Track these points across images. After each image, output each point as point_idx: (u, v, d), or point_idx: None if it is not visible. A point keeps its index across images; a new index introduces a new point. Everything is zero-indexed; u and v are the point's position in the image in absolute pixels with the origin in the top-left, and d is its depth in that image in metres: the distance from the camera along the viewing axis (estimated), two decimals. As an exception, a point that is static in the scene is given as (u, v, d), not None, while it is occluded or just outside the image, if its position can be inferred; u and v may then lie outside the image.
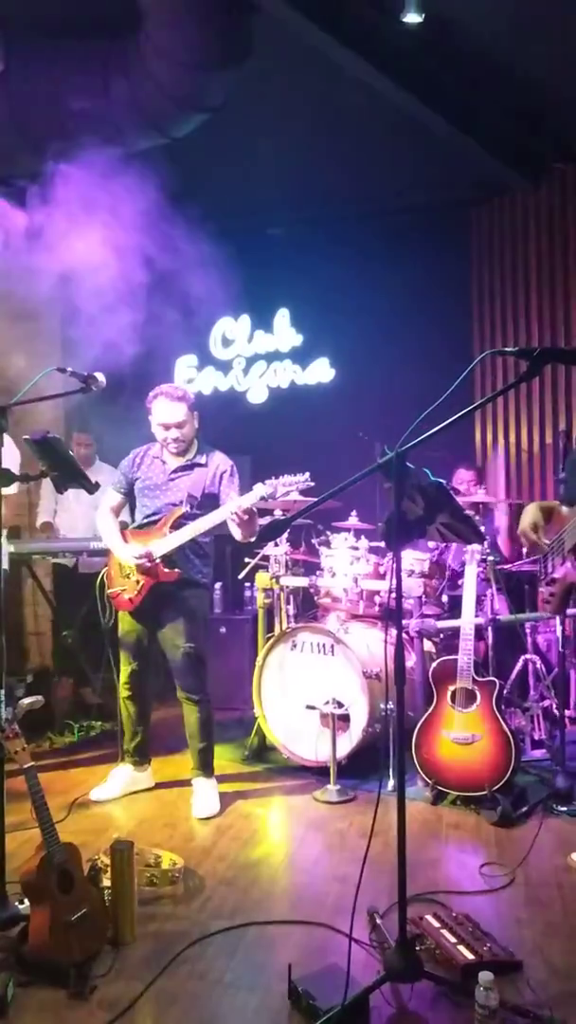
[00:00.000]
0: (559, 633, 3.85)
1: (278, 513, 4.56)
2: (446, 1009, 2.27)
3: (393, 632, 2.41)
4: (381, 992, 2.26)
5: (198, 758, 3.82)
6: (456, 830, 3.48)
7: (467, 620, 3.75)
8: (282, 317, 6.66)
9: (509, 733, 3.60)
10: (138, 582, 3.72)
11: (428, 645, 4.50)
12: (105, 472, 4.85)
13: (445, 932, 2.52)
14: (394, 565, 2.42)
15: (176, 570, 3.68)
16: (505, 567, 4.69)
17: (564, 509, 3.04)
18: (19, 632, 5.75)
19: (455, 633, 3.98)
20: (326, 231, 6.37)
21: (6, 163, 4.77)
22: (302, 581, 4.52)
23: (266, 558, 4.61)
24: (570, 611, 3.69)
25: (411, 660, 4.33)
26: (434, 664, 3.83)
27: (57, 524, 5.37)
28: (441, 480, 2.57)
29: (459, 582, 4.32)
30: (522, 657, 4.45)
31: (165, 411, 3.76)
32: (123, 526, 3.90)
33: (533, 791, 3.76)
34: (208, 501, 3.76)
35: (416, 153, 5.42)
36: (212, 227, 4.37)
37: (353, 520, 4.69)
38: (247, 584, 5.21)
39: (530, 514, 3.08)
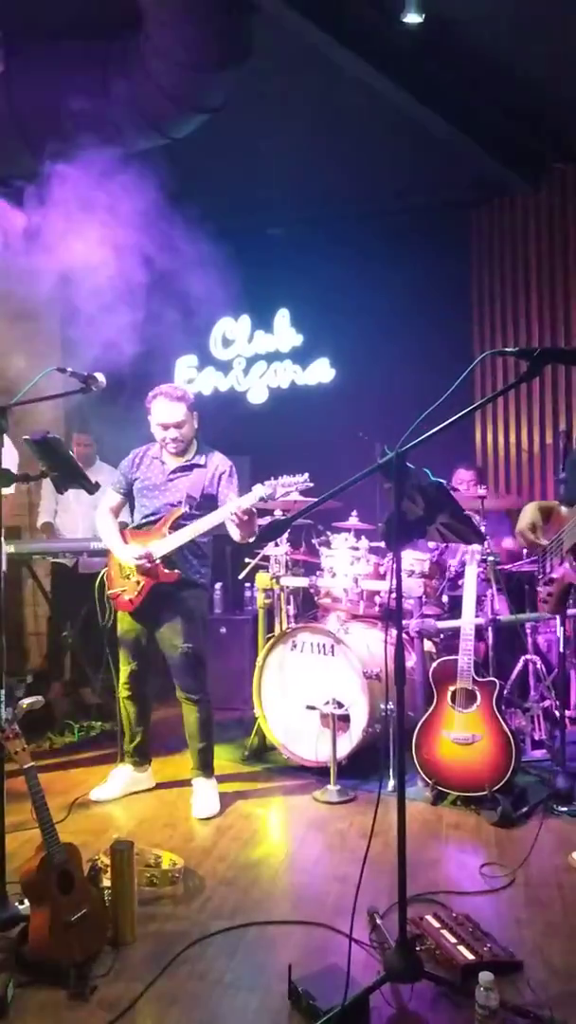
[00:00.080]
0: (560, 634, 3.85)
1: (278, 513, 4.56)
2: (446, 1009, 2.27)
3: (393, 632, 2.41)
4: (381, 992, 2.26)
5: (198, 758, 3.82)
6: (456, 830, 3.48)
7: (467, 620, 3.75)
8: (282, 317, 6.67)
9: (509, 733, 3.60)
10: (138, 583, 3.72)
11: (428, 645, 4.50)
12: (105, 472, 4.85)
13: (445, 932, 2.52)
14: (394, 565, 2.43)
15: (176, 571, 3.69)
16: (505, 567, 4.70)
17: (563, 509, 3.05)
18: (19, 632, 5.75)
19: (455, 633, 3.98)
20: (326, 231, 6.37)
21: (6, 163, 4.77)
22: (302, 581, 4.52)
23: (266, 558, 4.61)
24: (571, 611, 3.69)
25: (411, 660, 4.33)
26: (434, 664, 3.83)
27: (57, 524, 5.37)
28: (441, 480, 2.57)
29: (459, 582, 4.32)
30: (522, 657, 4.45)
31: (164, 411, 3.76)
32: (123, 526, 3.90)
33: (533, 791, 3.76)
34: (207, 502, 3.76)
35: (416, 153, 5.42)
36: (212, 227, 4.37)
37: (353, 520, 4.69)
38: (247, 584, 5.21)
39: (529, 514, 3.08)
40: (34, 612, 5.79)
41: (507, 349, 2.42)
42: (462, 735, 3.65)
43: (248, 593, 5.41)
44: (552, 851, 3.21)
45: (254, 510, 3.63)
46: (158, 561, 3.65)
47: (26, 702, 2.72)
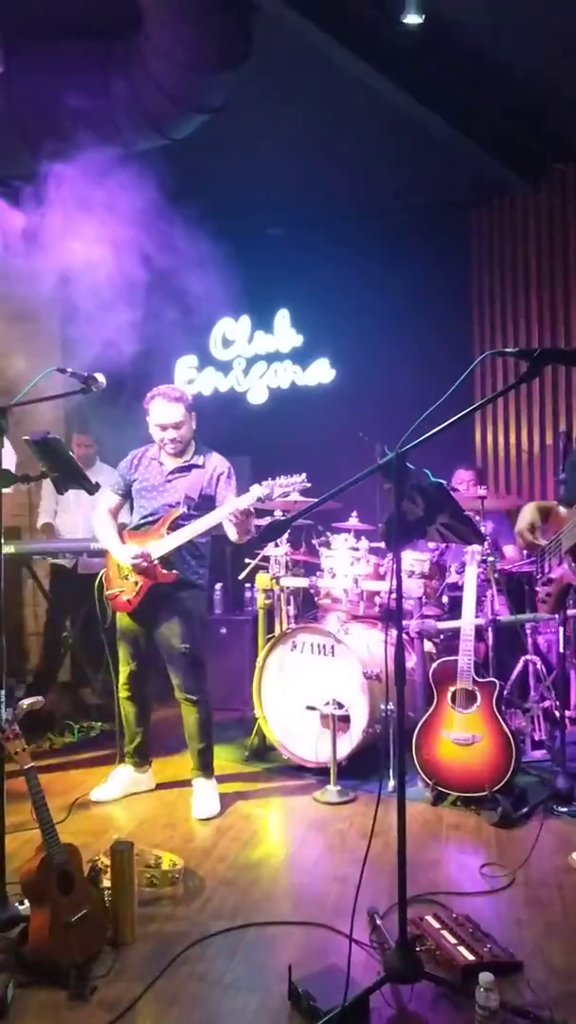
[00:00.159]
0: (560, 634, 3.85)
1: (278, 514, 4.56)
2: (446, 1010, 2.27)
3: (393, 633, 2.41)
4: (381, 993, 2.26)
5: (198, 759, 3.82)
6: (456, 831, 3.48)
7: (467, 621, 3.75)
8: (282, 318, 6.66)
9: (509, 734, 3.60)
10: (136, 583, 3.73)
11: (428, 646, 4.50)
12: (105, 473, 4.85)
13: (445, 933, 2.52)
14: (394, 566, 2.43)
15: (173, 571, 3.69)
16: (505, 568, 4.70)
17: (562, 510, 3.05)
18: (19, 633, 5.75)
19: (455, 634, 3.98)
20: (326, 231, 6.37)
21: (6, 164, 4.77)
22: (302, 582, 4.52)
23: (266, 559, 4.61)
24: (571, 611, 3.69)
25: (411, 661, 4.33)
26: (434, 665, 3.83)
27: (57, 525, 5.37)
28: (441, 480, 2.57)
29: (459, 583, 4.32)
30: (522, 658, 4.45)
31: (162, 412, 3.76)
32: (123, 527, 3.90)
33: (533, 792, 3.76)
34: (205, 502, 3.76)
35: (416, 154, 5.41)
36: (212, 227, 4.37)
37: (353, 521, 4.69)
38: (247, 585, 5.21)
39: (528, 514, 3.08)
40: (34, 612, 5.79)
41: (507, 350, 2.42)
42: (462, 736, 3.65)
43: (248, 593, 5.41)
44: (552, 852, 3.21)
45: (252, 510, 3.64)
46: (155, 562, 3.66)
47: (26, 702, 2.72)
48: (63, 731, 4.76)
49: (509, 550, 5.03)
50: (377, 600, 4.42)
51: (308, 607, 4.88)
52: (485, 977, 2.12)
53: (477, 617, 3.97)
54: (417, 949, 2.39)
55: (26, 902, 2.57)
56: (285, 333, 6.66)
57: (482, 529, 3.95)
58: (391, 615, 3.16)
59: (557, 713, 4.04)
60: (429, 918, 2.61)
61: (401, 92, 4.54)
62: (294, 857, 3.31)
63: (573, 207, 5.85)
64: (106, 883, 2.70)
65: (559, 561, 2.95)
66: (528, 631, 4.50)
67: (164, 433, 3.78)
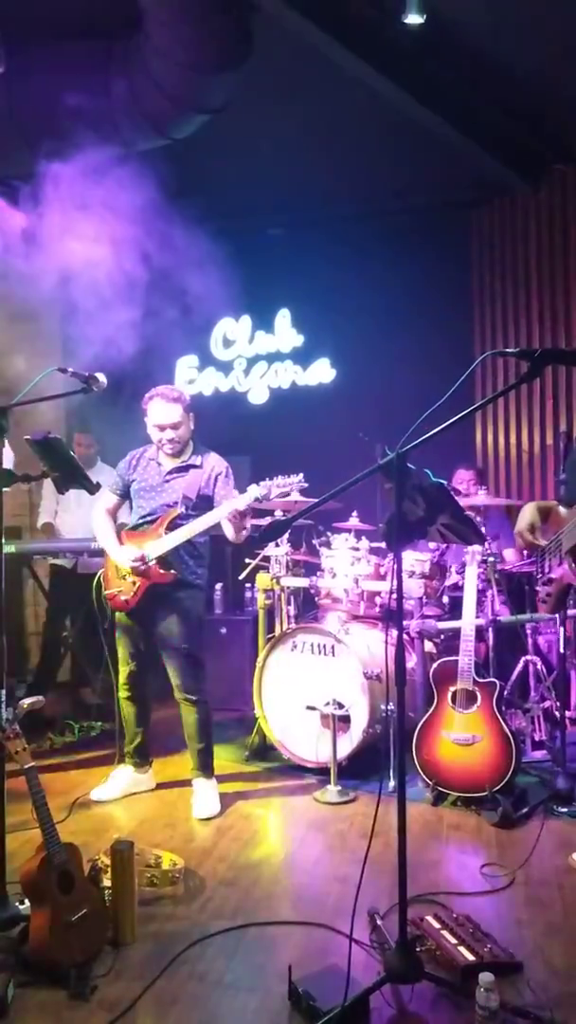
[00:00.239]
0: (560, 634, 3.85)
1: (279, 514, 4.56)
2: (446, 1010, 2.27)
3: (394, 633, 2.41)
4: (381, 993, 2.26)
5: (197, 759, 3.82)
6: (457, 831, 3.48)
7: (468, 621, 3.74)
8: (283, 318, 6.66)
9: (510, 734, 3.60)
10: (134, 583, 3.73)
11: (429, 646, 4.50)
12: (106, 473, 4.84)
13: (445, 933, 2.52)
14: (395, 566, 2.42)
15: (171, 571, 3.69)
16: (505, 568, 4.69)
17: (562, 510, 3.04)
18: (20, 633, 5.75)
19: (456, 634, 3.98)
20: (327, 232, 6.37)
21: (6, 164, 4.77)
22: (303, 582, 4.52)
23: (267, 559, 4.61)
24: (571, 612, 3.69)
25: (412, 661, 4.33)
26: (435, 665, 3.83)
27: (58, 525, 5.37)
28: (442, 480, 2.57)
29: (459, 583, 4.32)
30: (523, 658, 4.44)
31: (160, 412, 3.76)
32: (123, 527, 3.90)
33: (534, 792, 3.76)
34: (203, 502, 3.76)
35: (416, 154, 5.42)
36: (212, 227, 4.37)
37: (354, 521, 4.68)
38: (248, 585, 5.20)
39: (527, 515, 3.08)
40: (34, 612, 5.79)
41: (508, 350, 2.42)
42: (462, 736, 3.65)
43: (248, 593, 5.41)
44: (552, 852, 3.21)
45: (249, 510, 3.64)
46: (151, 563, 3.66)
47: (26, 702, 2.72)
48: (63, 731, 4.76)
49: (509, 553, 5.03)
50: (377, 600, 4.42)
51: (308, 607, 4.88)
52: (485, 977, 2.12)
53: (477, 617, 3.97)
54: (417, 949, 2.39)
55: (26, 901, 2.57)
56: (286, 333, 6.66)
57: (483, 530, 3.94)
58: (391, 615, 3.16)
59: (557, 713, 4.04)
60: (429, 918, 2.61)
61: (401, 92, 4.55)
62: (294, 857, 3.31)
63: (573, 207, 5.85)
64: (106, 883, 2.70)
65: (559, 561, 2.95)
66: (528, 631, 4.50)
67: (162, 433, 3.79)
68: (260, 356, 6.76)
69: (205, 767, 3.83)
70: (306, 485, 3.72)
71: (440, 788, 3.72)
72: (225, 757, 4.30)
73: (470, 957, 2.39)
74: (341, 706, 3.93)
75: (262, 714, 4.31)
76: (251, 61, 4.10)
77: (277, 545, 4.52)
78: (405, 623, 4.10)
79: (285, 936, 2.66)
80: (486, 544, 4.02)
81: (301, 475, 3.71)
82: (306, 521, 4.89)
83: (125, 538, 3.81)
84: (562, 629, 3.84)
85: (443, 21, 4.14)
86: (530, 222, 6.01)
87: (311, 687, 4.14)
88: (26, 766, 2.54)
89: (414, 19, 3.94)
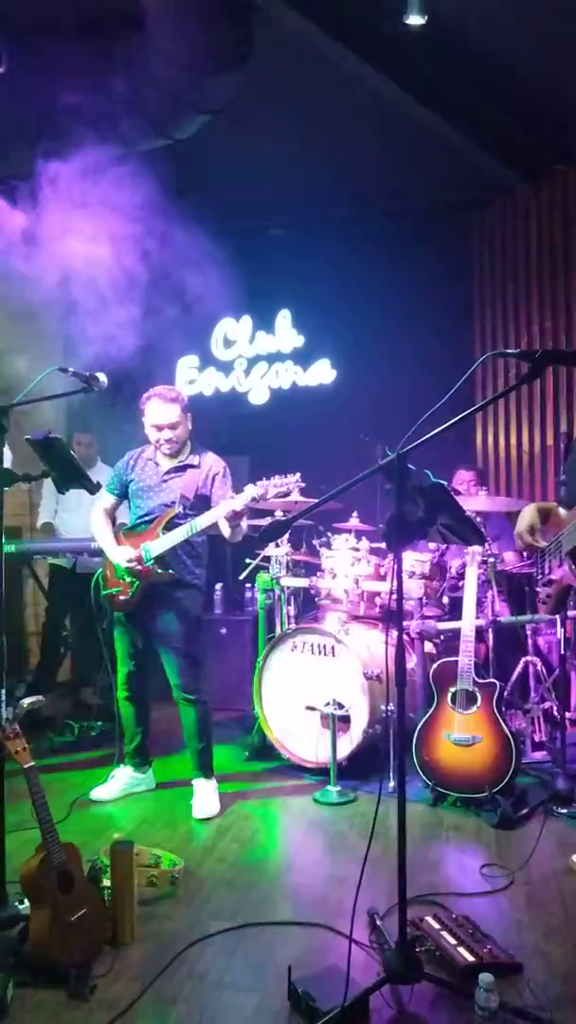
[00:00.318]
0: (560, 635, 3.85)
1: (279, 514, 4.56)
2: (446, 1011, 2.27)
3: (394, 633, 2.41)
4: (381, 993, 2.26)
5: (197, 759, 3.82)
6: (456, 832, 3.48)
7: (468, 622, 3.74)
8: (283, 318, 6.66)
9: (509, 735, 3.60)
10: (132, 583, 3.73)
11: (429, 646, 4.49)
12: (106, 473, 4.82)
13: (445, 934, 2.52)
14: (395, 566, 2.42)
15: (169, 571, 3.69)
16: (506, 568, 4.69)
17: (562, 511, 3.04)
18: (20, 633, 5.75)
19: (456, 635, 3.98)
20: (327, 232, 6.37)
21: (6, 163, 4.77)
22: (303, 582, 4.52)
23: (267, 559, 4.61)
24: (571, 613, 3.69)
25: (412, 661, 4.32)
26: (435, 666, 3.83)
27: (58, 525, 5.37)
28: (442, 481, 2.57)
29: (460, 584, 4.32)
30: (523, 659, 4.44)
31: (158, 412, 3.77)
32: (122, 527, 3.90)
33: (533, 793, 3.75)
34: (200, 502, 3.76)
35: (417, 154, 5.42)
36: (213, 227, 4.37)
37: (354, 521, 4.68)
38: (248, 585, 5.20)
39: (527, 516, 3.08)
40: (34, 612, 5.79)
41: (508, 351, 2.42)
42: (462, 736, 3.65)
43: (248, 594, 5.41)
44: (552, 853, 3.21)
45: (246, 510, 3.64)
46: (149, 563, 3.66)
47: (26, 702, 2.72)
48: (63, 731, 4.76)
49: (509, 556, 5.02)
50: (377, 600, 4.42)
51: (308, 607, 4.88)
52: (485, 978, 2.12)
53: (478, 618, 3.97)
54: (417, 950, 2.39)
55: (26, 901, 2.57)
56: (286, 333, 6.66)
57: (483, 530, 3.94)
58: (391, 616, 3.16)
59: (557, 714, 4.04)
60: (429, 919, 2.61)
61: (402, 92, 4.55)
62: (294, 857, 3.31)
63: (574, 207, 5.85)
64: (106, 883, 2.70)
65: (559, 563, 2.95)
66: (528, 632, 4.50)
67: (160, 434, 3.79)
68: (261, 356, 6.75)
69: (205, 767, 3.83)
70: (303, 485, 3.72)
71: (440, 789, 3.72)
72: (225, 757, 4.30)
73: (470, 958, 2.39)
74: (341, 706, 3.93)
75: (262, 714, 4.31)
76: (251, 61, 4.10)
77: (277, 545, 4.52)
78: (405, 624, 4.10)
79: (285, 936, 2.66)
80: (486, 545, 4.02)
81: (298, 474, 3.70)
82: (306, 521, 4.89)
83: (123, 538, 3.81)
84: (562, 630, 3.84)
85: (443, 21, 4.14)
86: (531, 222, 6.01)
87: (311, 687, 4.14)
88: (26, 766, 2.54)
89: (415, 20, 3.94)
